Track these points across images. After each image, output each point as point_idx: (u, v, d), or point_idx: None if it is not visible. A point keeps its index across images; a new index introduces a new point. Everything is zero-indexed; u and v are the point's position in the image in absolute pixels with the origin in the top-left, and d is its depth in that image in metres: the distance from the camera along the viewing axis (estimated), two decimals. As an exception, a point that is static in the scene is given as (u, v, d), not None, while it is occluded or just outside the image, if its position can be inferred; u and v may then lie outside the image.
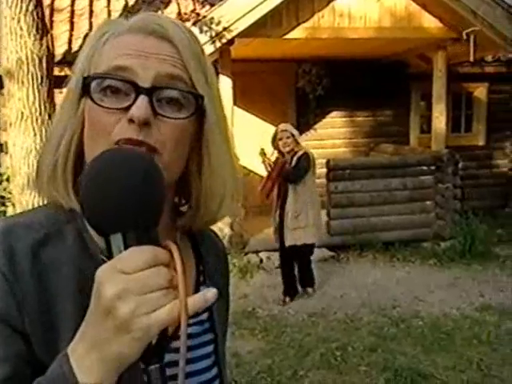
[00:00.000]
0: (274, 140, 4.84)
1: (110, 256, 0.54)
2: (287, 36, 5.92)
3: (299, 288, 5.06)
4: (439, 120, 6.57)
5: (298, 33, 5.95)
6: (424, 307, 4.67)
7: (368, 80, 7.52)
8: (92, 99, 0.63)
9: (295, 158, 4.70)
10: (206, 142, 0.70)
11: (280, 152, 4.83)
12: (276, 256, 5.74)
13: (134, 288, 0.50)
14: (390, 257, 6.12)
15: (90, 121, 0.65)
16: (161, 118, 0.63)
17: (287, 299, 4.92)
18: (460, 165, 6.66)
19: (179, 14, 7.25)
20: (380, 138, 7.93)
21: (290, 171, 4.75)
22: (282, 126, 4.87)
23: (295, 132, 4.87)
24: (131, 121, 0.61)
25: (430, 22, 6.29)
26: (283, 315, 4.56)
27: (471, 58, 6.15)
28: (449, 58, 6.65)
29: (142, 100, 0.61)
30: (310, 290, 5.11)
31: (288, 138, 4.74)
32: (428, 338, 4.00)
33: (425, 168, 6.48)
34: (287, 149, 4.75)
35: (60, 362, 0.53)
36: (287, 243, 4.77)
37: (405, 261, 6.04)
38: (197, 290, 0.74)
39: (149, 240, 0.54)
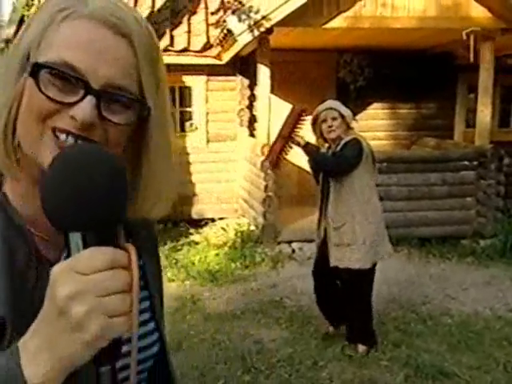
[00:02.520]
0: (315, 123, 3.52)
1: (68, 254, 0.54)
2: (327, 25, 5.85)
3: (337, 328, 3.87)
4: (484, 114, 6.34)
5: (338, 22, 5.86)
6: (455, 305, 4.55)
7: (412, 71, 7.34)
8: (38, 86, 0.61)
9: (341, 145, 3.45)
10: (147, 146, 0.69)
11: (324, 139, 3.56)
12: (309, 246, 5.74)
13: (91, 290, 0.49)
14: (425, 253, 5.99)
15: (28, 102, 0.63)
16: (105, 120, 0.63)
17: (330, 329, 3.95)
18: (505, 161, 6.42)
19: (222, 2, 7.29)
20: (423, 132, 7.73)
21: (329, 160, 3.45)
22: (328, 103, 3.52)
23: (346, 111, 3.46)
24: (73, 118, 0.61)
25: (478, 12, 6.07)
26: (310, 306, 4.54)
27: (471, 59, 5.92)
28: (498, 50, 6.40)
29: (90, 101, 0.61)
30: (361, 348, 3.64)
31: (335, 119, 3.40)
32: (455, 337, 3.91)
33: (467, 163, 6.27)
34: (333, 135, 3.43)
35: (9, 356, 0.52)
36: (331, 262, 3.53)
37: (441, 257, 5.90)
38: None
39: (109, 240, 0.54)
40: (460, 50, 7.21)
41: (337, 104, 3.52)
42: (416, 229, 6.14)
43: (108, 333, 0.50)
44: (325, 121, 3.45)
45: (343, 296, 3.66)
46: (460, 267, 5.63)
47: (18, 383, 0.51)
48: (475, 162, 6.24)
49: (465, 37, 5.85)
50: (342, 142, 3.44)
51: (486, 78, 6.31)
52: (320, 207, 3.65)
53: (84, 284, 0.49)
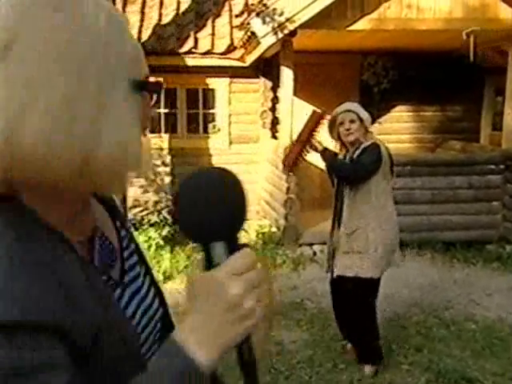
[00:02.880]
0: (333, 125, 3.39)
1: (209, 261, 0.63)
2: (351, 27, 5.82)
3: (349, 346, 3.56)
4: (511, 116, 6.23)
5: (362, 24, 5.83)
6: (479, 311, 4.47)
7: (437, 73, 7.26)
8: (158, 99, 0.74)
9: (359, 149, 3.29)
10: None
11: (341, 143, 3.44)
12: (330, 249, 5.71)
13: (252, 285, 0.61)
14: (449, 257, 5.90)
15: (143, 116, 0.70)
16: None
17: (348, 346, 3.68)
18: (533, 165, 6.29)
19: (246, 5, 7.33)
20: (448, 135, 7.63)
21: (346, 166, 3.33)
22: (346, 106, 3.37)
23: (365, 115, 3.32)
24: (151, 118, 0.75)
25: (507, 13, 5.97)
26: (331, 309, 4.50)
27: (471, 59, 5.80)
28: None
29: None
30: (368, 368, 3.41)
31: (353, 122, 3.27)
32: (479, 342, 3.84)
33: (493, 167, 6.17)
34: (351, 138, 3.28)
35: (178, 353, 0.60)
36: (336, 271, 3.37)
37: (465, 262, 5.80)
38: (118, 233, 0.82)
39: (240, 244, 0.64)
40: (488, 51, 7.11)
41: (355, 106, 3.39)
42: (440, 233, 6.05)
43: (268, 316, 0.63)
44: (342, 123, 3.30)
45: (347, 310, 3.42)
46: (485, 272, 5.53)
47: (196, 373, 0.59)
48: (502, 166, 6.13)
49: (465, 37, 5.74)
50: (362, 147, 3.28)
51: (513, 80, 6.21)
52: (334, 212, 3.47)
53: (247, 282, 0.61)
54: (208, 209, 0.61)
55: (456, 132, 7.63)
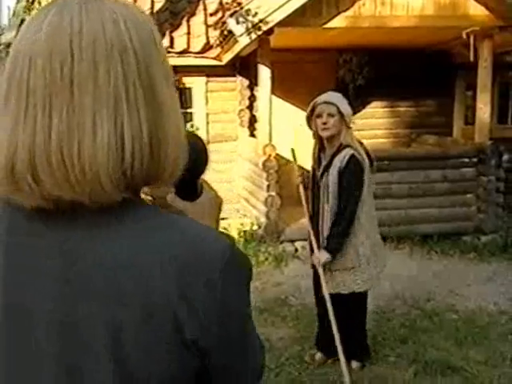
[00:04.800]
0: (311, 116, 3.14)
1: (196, 190, 0.99)
2: (327, 25, 5.88)
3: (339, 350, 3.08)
4: (483, 111, 6.39)
5: (338, 22, 5.89)
6: (459, 301, 4.60)
7: (411, 69, 7.38)
8: None
9: (338, 161, 3.02)
10: None
11: (318, 137, 3.15)
12: (311, 246, 5.77)
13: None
14: (427, 250, 6.03)
15: None
16: None
17: (318, 355, 3.53)
18: (505, 157, 6.48)
19: (221, 3, 7.32)
20: (422, 129, 7.77)
21: (342, 227, 3.03)
22: (327, 97, 3.12)
23: (346, 109, 3.06)
24: None
25: (476, 10, 6.11)
26: (315, 305, 4.57)
27: (471, 59, 5.98)
28: (495, 47, 6.44)
29: None
30: (356, 364, 3.34)
31: (331, 115, 3.00)
32: (461, 332, 3.95)
33: (466, 160, 6.33)
34: (326, 133, 3.03)
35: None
36: (328, 288, 3.11)
37: (443, 254, 5.94)
38: None
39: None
40: (458, 47, 7.26)
41: (337, 98, 3.10)
42: (418, 226, 6.18)
43: None
44: (320, 116, 3.03)
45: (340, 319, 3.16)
46: (462, 263, 5.68)
47: None
48: (475, 159, 6.30)
49: (465, 36, 5.90)
50: (340, 160, 3.01)
51: (484, 75, 6.36)
52: (310, 223, 3.25)
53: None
54: (199, 162, 0.97)
55: (429, 126, 7.77)
